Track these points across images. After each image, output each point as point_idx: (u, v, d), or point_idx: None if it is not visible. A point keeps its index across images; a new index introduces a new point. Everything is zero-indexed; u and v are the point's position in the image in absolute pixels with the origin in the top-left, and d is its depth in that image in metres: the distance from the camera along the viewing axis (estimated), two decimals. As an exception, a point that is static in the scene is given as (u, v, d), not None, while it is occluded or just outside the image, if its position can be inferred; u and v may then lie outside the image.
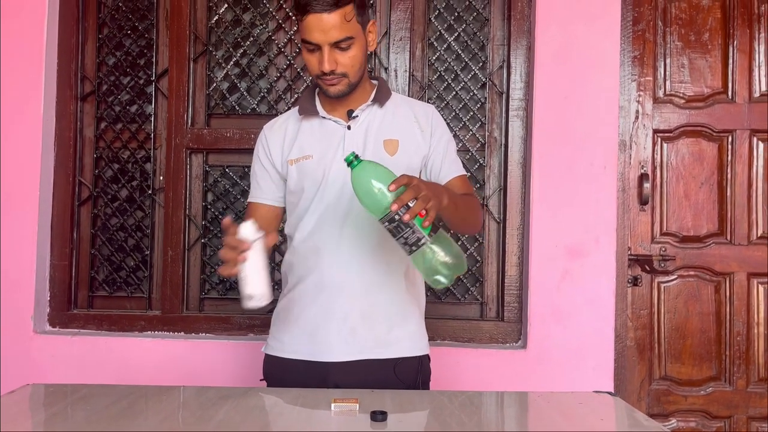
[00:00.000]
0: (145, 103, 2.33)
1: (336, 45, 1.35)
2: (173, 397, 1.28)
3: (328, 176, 1.45)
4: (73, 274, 2.32)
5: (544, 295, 2.14)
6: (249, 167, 2.25)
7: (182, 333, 2.25)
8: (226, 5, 2.31)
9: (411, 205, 1.12)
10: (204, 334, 2.25)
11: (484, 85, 2.28)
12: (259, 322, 2.23)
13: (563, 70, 2.16)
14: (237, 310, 2.28)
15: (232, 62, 2.31)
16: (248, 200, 1.59)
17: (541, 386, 2.10)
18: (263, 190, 1.55)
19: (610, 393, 1.36)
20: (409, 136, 1.48)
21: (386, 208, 1.13)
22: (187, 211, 2.29)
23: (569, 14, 2.15)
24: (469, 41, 2.28)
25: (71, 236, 2.30)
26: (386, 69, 2.25)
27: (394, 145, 1.46)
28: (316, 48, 1.35)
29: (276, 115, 1.95)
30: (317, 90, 1.51)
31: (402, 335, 1.47)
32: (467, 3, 2.28)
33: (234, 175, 2.31)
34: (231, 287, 2.30)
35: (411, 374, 1.47)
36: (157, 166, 2.33)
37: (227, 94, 2.32)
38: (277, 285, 2.26)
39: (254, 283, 1.21)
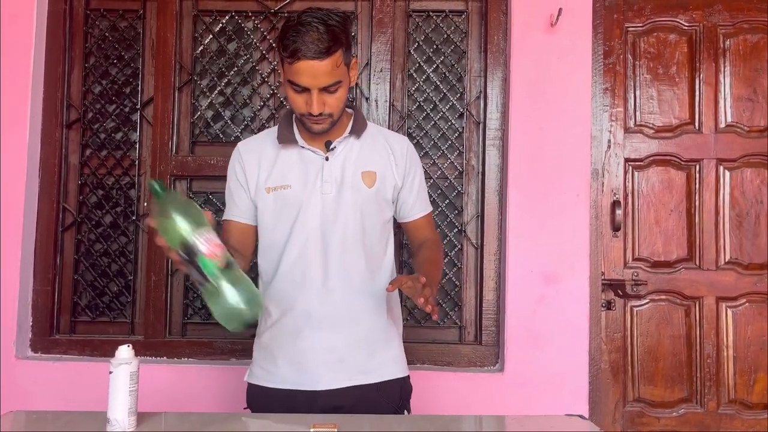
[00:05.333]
0: (130, 131, 2.37)
1: (325, 89, 1.36)
2: (155, 423, 1.30)
3: (308, 206, 1.47)
4: (56, 300, 2.32)
5: (521, 319, 2.19)
6: (232, 194, 2.32)
7: (165, 358, 2.26)
8: (210, 36, 2.37)
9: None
10: (187, 359, 2.26)
11: (461, 115, 2.35)
12: (242, 347, 2.25)
13: (538, 101, 2.24)
14: (220, 335, 2.31)
15: (216, 91, 2.36)
16: (224, 218, 1.56)
17: (518, 409, 2.14)
18: (240, 208, 1.53)
19: (581, 416, 1.42)
20: (386, 168, 1.53)
21: (180, 240, 1.15)
22: (171, 236, 2.31)
23: (543, 48, 2.24)
24: (447, 73, 2.36)
25: (54, 262, 2.32)
26: (367, 99, 2.32)
27: (372, 176, 1.51)
28: (304, 90, 1.36)
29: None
30: (294, 117, 1.51)
31: (385, 359, 1.52)
32: (445, 36, 2.36)
33: (218, 201, 2.34)
34: (214, 312, 2.32)
35: (394, 394, 1.52)
36: (142, 192, 2.36)
37: (211, 122, 2.36)
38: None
39: (113, 408, 1.20)
